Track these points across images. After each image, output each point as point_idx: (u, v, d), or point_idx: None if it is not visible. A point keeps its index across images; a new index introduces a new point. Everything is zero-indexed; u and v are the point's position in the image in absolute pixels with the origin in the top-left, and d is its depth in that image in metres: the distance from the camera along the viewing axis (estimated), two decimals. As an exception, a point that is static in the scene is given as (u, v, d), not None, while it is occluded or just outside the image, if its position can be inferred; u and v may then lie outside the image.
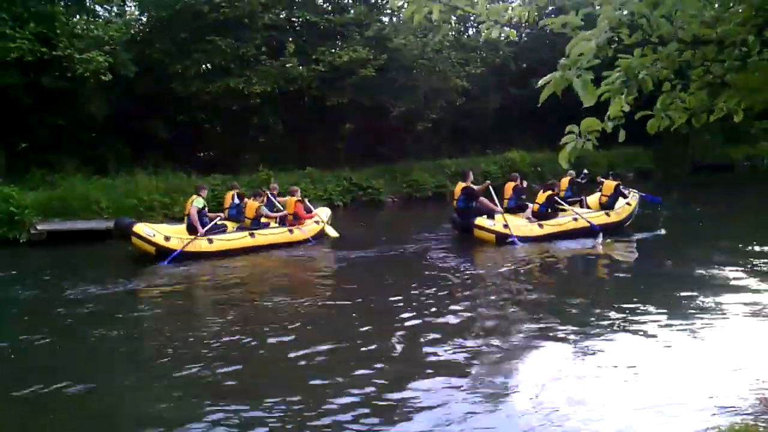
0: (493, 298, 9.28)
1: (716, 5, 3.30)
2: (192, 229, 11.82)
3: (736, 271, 10.27)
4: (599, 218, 13.63)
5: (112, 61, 15.19)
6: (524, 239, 12.60)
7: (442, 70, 21.07)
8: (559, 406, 5.65)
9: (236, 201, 13.17)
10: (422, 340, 7.30)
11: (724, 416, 5.31)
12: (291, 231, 12.93)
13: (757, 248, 11.86)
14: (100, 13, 18.69)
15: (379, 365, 6.52)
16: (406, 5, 3.26)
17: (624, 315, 8.13)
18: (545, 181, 16.60)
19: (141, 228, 11.45)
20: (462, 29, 27.21)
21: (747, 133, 29.52)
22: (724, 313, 8.11)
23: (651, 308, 8.37)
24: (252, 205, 12.81)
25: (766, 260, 11.05)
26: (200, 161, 19.35)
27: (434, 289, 9.51)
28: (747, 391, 5.77)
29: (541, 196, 13.58)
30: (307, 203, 14.09)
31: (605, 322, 7.88)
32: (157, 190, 15.96)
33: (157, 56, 18.14)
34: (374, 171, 19.63)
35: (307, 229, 13.13)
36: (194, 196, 12.22)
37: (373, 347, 7.08)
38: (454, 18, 26.26)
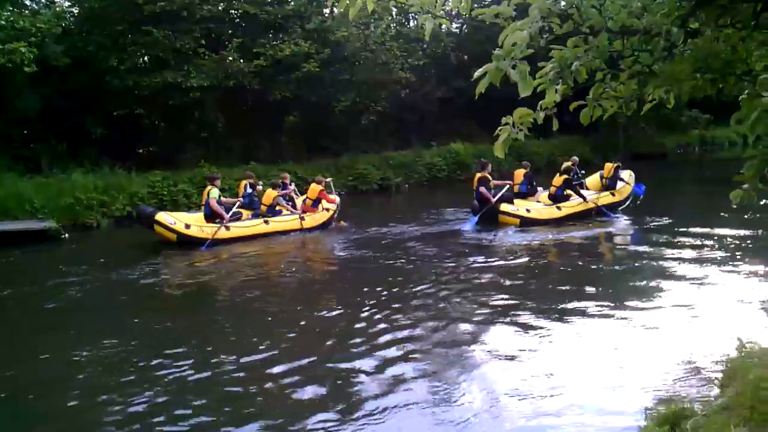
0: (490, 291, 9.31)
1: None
2: (210, 218, 12.50)
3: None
4: (606, 198, 14.80)
5: (36, 52, 14.56)
6: (546, 221, 13.62)
7: (385, 63, 21.08)
8: (505, 393, 5.79)
9: (248, 190, 13.75)
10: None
11: (660, 397, 5.52)
12: (302, 218, 13.66)
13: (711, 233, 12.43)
14: (28, 4, 17.97)
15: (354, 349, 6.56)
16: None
17: (584, 303, 8.38)
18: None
19: (163, 216, 12.21)
20: (403, 21, 27.28)
21: (678, 122, 30.73)
22: (672, 299, 8.41)
23: (622, 296, 8.70)
24: (270, 193, 13.55)
25: (715, 244, 11.54)
26: (140, 157, 18.83)
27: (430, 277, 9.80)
28: (684, 375, 6.01)
29: (558, 180, 14.48)
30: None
31: (572, 307, 8.15)
32: (96, 189, 15.41)
33: (91, 49, 17.52)
34: (319, 165, 19.51)
35: (317, 216, 13.90)
36: (209, 187, 12.67)
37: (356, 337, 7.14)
38: (395, 9, 26.34)
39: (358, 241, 12.99)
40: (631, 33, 3.11)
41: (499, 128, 3.10)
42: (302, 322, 7.87)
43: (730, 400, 4.67)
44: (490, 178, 14.17)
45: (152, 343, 7.19)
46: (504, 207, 13.50)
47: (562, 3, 2.98)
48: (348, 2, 3.20)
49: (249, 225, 12.98)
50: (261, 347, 6.96)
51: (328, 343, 7.12)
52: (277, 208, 13.62)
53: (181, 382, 6.07)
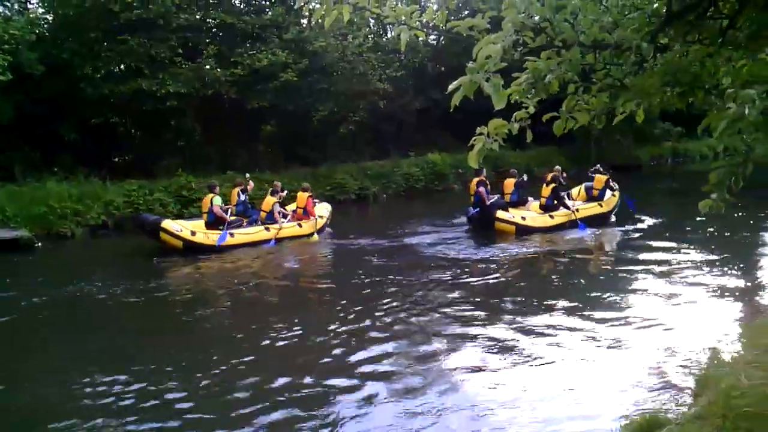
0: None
1: (614, 11, 3.46)
2: (212, 225, 12.89)
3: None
4: (593, 209, 15.04)
5: (10, 59, 14.36)
6: (539, 229, 13.90)
7: (362, 73, 21.13)
8: (479, 405, 5.81)
9: (242, 197, 13.93)
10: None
11: (634, 406, 5.59)
12: (300, 225, 14.04)
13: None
14: (0, 11, 17.74)
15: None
16: (316, 8, 3.23)
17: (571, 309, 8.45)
18: (465, 180, 18.31)
19: (169, 224, 12.49)
20: (380, 32, 27.38)
21: (652, 135, 31.25)
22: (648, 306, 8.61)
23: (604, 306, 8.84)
24: (269, 200, 13.89)
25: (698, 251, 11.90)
26: (115, 166, 18.62)
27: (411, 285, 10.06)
28: (658, 384, 6.08)
29: (546, 190, 14.78)
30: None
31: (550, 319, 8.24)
32: (70, 197, 15.17)
33: (65, 56, 17.32)
34: (297, 174, 19.46)
35: (311, 223, 14.19)
36: (211, 195, 13.16)
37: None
38: (372, 21, 26.42)
39: (342, 251, 13.19)
40: (603, 47, 3.17)
41: (473, 138, 3.13)
42: (278, 339, 7.82)
43: (702, 409, 4.73)
44: (488, 182, 14.73)
45: (122, 355, 7.12)
46: (500, 214, 13.81)
47: (536, 17, 3.03)
48: (323, 12, 3.23)
49: (251, 231, 13.28)
50: (240, 363, 6.93)
51: (305, 357, 7.11)
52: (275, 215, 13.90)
53: (134, 400, 6.00)
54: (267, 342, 7.57)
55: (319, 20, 3.27)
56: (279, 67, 18.64)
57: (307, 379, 6.40)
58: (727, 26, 3.29)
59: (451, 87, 2.78)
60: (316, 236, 14.08)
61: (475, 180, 14.81)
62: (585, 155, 27.69)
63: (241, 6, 21.43)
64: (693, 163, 32.78)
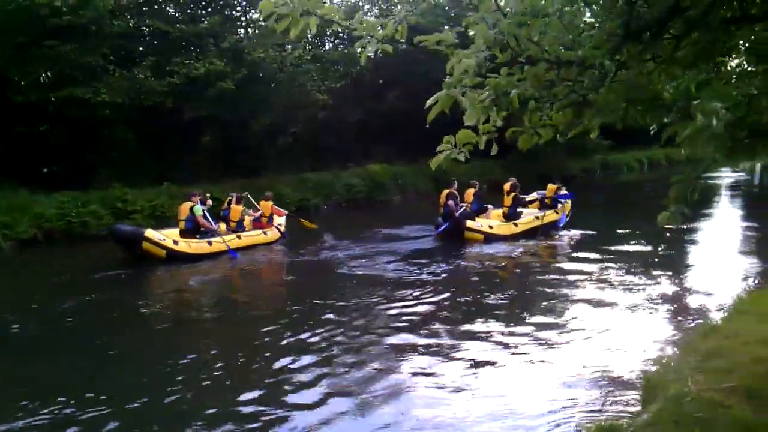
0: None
1: (574, 30, 3.54)
2: (189, 233, 12.97)
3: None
4: (550, 216, 15.94)
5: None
6: (506, 237, 14.58)
7: (302, 84, 21.00)
8: (423, 411, 5.82)
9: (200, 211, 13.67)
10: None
11: (584, 414, 5.70)
12: (266, 233, 14.60)
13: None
14: None
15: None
16: (278, 19, 3.17)
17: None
18: (404, 192, 19.63)
19: (152, 234, 12.44)
20: (318, 43, 27.33)
21: (583, 147, 32.28)
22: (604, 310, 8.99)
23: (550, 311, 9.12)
24: (236, 209, 14.31)
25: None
26: (45, 177, 17.71)
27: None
28: (608, 391, 6.22)
29: (507, 199, 15.63)
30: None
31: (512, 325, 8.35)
32: (-4, 209, 14.39)
33: (-10, 62, 16.47)
34: (235, 185, 19.08)
35: (273, 232, 14.85)
36: (190, 203, 13.17)
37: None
38: (310, 33, 26.55)
39: (303, 263, 13.26)
40: (567, 64, 3.24)
41: (441, 145, 3.12)
42: (236, 352, 7.65)
43: (654, 415, 4.86)
44: (457, 194, 15.14)
45: (61, 379, 6.79)
46: (470, 224, 14.39)
47: (497, 32, 3.06)
48: (290, 23, 3.17)
49: (225, 240, 13.43)
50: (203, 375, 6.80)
51: (249, 374, 6.96)
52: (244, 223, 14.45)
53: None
54: (218, 358, 7.38)
55: (280, 32, 3.21)
56: (216, 76, 18.29)
57: (248, 395, 6.26)
58: (675, 46, 3.43)
59: (429, 101, 2.78)
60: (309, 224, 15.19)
61: (445, 192, 15.17)
62: (520, 167, 28.38)
63: (177, 14, 20.93)
64: (622, 174, 34.05)
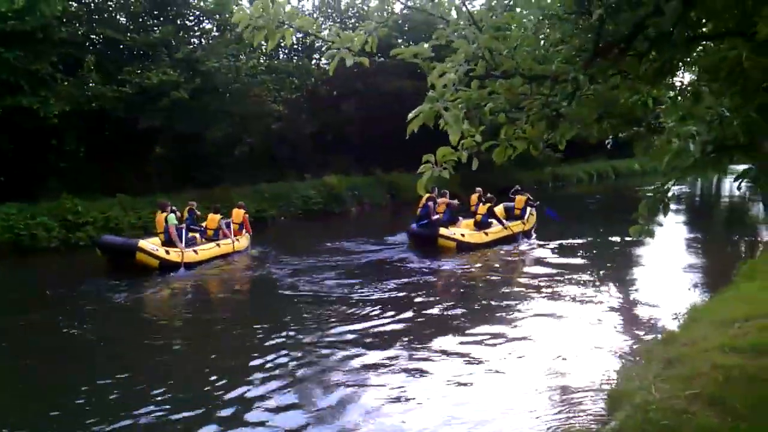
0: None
1: (545, 45, 3.60)
2: (168, 243, 13.04)
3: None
4: (517, 226, 16.40)
5: None
6: (477, 245, 14.97)
7: (257, 95, 20.81)
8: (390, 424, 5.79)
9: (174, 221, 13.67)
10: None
11: (556, 424, 5.75)
12: (238, 240, 14.82)
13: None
14: None
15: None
16: (254, 31, 3.13)
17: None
18: (361, 203, 20.62)
19: (146, 244, 12.54)
20: (273, 54, 27.16)
21: (534, 160, 32.84)
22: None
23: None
24: (214, 217, 14.66)
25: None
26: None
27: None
28: (573, 400, 6.30)
29: (482, 208, 16.03)
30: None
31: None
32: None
33: (-73, 69, 15.75)
34: (190, 197, 18.74)
35: (243, 240, 15.14)
36: (164, 213, 13.28)
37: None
38: (264, 44, 26.43)
39: (274, 271, 13.19)
40: (542, 78, 3.28)
41: (421, 166, 3.12)
42: (203, 365, 7.47)
43: (621, 423, 4.94)
44: (436, 198, 15.53)
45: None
46: (443, 231, 14.70)
47: (477, 47, 3.07)
48: (265, 35, 3.13)
49: (207, 248, 13.79)
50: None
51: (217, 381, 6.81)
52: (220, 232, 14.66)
53: None
54: (199, 371, 7.20)
55: (256, 44, 3.16)
56: (170, 86, 17.95)
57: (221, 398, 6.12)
58: (639, 63, 3.52)
59: (411, 115, 2.76)
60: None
61: (427, 195, 15.04)
62: (473, 180, 28.71)
63: (128, 24, 20.48)
64: (572, 186, 34.80)
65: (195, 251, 13.34)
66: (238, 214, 15.32)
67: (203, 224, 14.83)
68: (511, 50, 3.22)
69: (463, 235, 14.97)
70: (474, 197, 16.99)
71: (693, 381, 5.39)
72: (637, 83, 3.65)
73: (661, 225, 3.21)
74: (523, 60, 3.34)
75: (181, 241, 13.18)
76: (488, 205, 16.06)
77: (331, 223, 21.15)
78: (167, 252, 12.79)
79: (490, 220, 15.94)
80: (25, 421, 5.98)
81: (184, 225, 13.82)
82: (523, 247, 15.72)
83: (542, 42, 3.41)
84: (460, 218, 16.25)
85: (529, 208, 17.32)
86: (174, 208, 13.79)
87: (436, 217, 15.44)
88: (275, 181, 22.87)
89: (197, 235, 14.31)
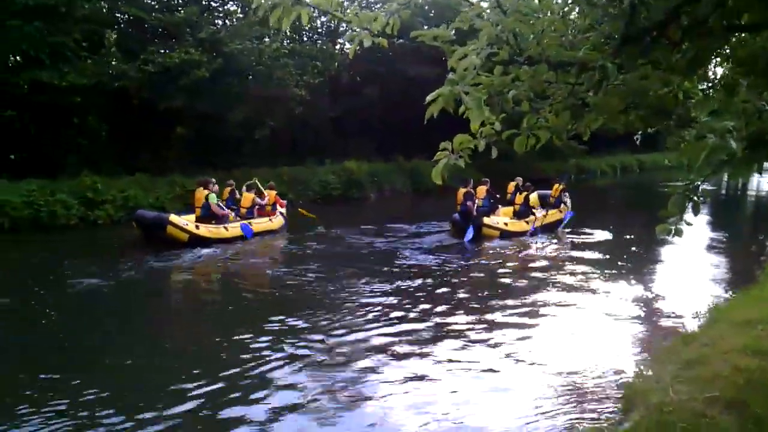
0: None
1: (573, 31, 3.45)
2: (202, 219, 13.73)
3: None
4: (556, 215, 16.77)
5: None
6: (518, 233, 15.23)
7: (280, 78, 20.72)
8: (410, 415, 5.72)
9: (215, 199, 14.28)
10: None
11: (570, 422, 5.63)
12: (271, 220, 15.38)
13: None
14: None
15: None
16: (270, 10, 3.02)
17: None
18: (381, 190, 20.48)
19: (176, 218, 13.14)
20: (296, 37, 27.05)
21: (559, 151, 32.47)
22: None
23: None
24: (248, 196, 15.12)
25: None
26: (11, 164, 17.12)
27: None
28: (587, 398, 6.18)
29: (519, 198, 16.35)
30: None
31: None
32: (-43, 197, 13.85)
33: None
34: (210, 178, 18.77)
35: (278, 220, 15.64)
36: (206, 191, 13.94)
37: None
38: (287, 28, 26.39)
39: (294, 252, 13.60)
40: (568, 65, 3.14)
41: (437, 154, 3.01)
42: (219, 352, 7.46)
43: (636, 424, 4.81)
44: (473, 192, 15.45)
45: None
46: (486, 220, 14.98)
47: (501, 29, 2.94)
48: (282, 13, 3.02)
49: (239, 226, 14.23)
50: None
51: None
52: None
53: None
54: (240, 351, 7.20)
55: (274, 23, 3.05)
56: (192, 65, 17.91)
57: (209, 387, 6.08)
58: (673, 51, 3.36)
59: (429, 97, 2.64)
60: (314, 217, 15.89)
61: (462, 191, 15.37)
62: (493, 170, 28.48)
63: (153, 3, 20.47)
64: (595, 178, 34.39)
65: (226, 228, 13.86)
66: (271, 195, 15.91)
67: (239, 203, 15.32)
68: (537, 35, 3.07)
69: (506, 224, 15.41)
70: (511, 185, 17.36)
71: (712, 383, 5.23)
72: (669, 74, 3.49)
73: (690, 224, 3.04)
74: (548, 46, 3.20)
75: (227, 214, 14.04)
76: (525, 194, 16.34)
77: (350, 207, 21.12)
78: (197, 227, 13.30)
79: (527, 209, 16.25)
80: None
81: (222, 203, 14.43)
82: (555, 238, 15.68)
83: (572, 27, 3.25)
84: (499, 206, 16.52)
85: (564, 197, 17.65)
86: (215, 186, 14.33)
87: (476, 205, 15.50)
88: (295, 166, 22.85)
89: (231, 213, 14.70)
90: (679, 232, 3.22)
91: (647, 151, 40.89)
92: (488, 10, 3.13)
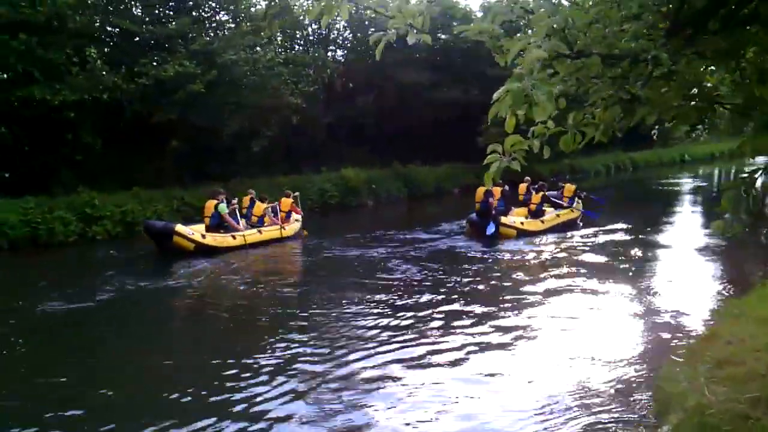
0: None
1: (617, 22, 3.33)
2: (211, 229, 14.05)
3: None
4: (569, 214, 17.23)
5: None
6: (534, 233, 15.60)
7: (274, 87, 20.57)
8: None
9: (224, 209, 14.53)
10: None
11: (601, 425, 5.50)
12: (284, 228, 15.53)
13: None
14: None
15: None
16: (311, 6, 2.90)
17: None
18: (377, 196, 20.84)
19: (183, 228, 13.35)
20: (289, 46, 26.93)
21: (551, 151, 32.51)
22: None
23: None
24: (260, 206, 15.46)
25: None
26: (6, 182, 16.78)
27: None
28: (621, 399, 6.05)
29: (536, 197, 16.76)
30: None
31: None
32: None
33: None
34: (207, 190, 18.57)
35: (291, 227, 15.84)
36: (215, 201, 14.26)
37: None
38: (279, 36, 25.81)
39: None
40: (618, 57, 3.01)
41: (488, 157, 2.89)
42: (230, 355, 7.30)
43: (675, 428, 4.68)
44: (492, 192, 15.65)
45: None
46: (504, 220, 15.36)
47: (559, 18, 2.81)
48: (322, 8, 2.89)
49: (247, 234, 14.54)
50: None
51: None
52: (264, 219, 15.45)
53: None
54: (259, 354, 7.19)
55: (312, 19, 2.93)
56: (186, 78, 17.71)
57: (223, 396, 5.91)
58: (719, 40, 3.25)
59: (495, 95, 2.50)
60: (305, 231, 16.11)
61: (482, 189, 15.56)
62: (485, 170, 28.37)
63: (144, 15, 20.25)
64: (589, 178, 34.40)
65: (233, 236, 14.12)
66: (286, 202, 16.13)
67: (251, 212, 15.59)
68: (586, 26, 2.95)
69: (522, 223, 15.76)
70: (522, 186, 17.73)
71: (749, 383, 5.11)
72: (714, 62, 3.39)
73: (747, 223, 2.90)
74: (595, 38, 3.08)
75: (238, 224, 14.39)
76: (541, 194, 16.73)
77: (349, 215, 20.98)
78: (203, 236, 13.56)
79: (543, 207, 16.57)
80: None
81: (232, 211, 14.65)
82: (569, 236, 15.79)
83: (624, 18, 3.13)
84: (512, 207, 16.84)
85: (576, 198, 17.98)
86: (225, 197, 14.59)
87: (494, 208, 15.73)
88: (290, 174, 22.68)
89: (243, 222, 14.97)
90: (736, 230, 3.09)
91: (639, 149, 40.99)
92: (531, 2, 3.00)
